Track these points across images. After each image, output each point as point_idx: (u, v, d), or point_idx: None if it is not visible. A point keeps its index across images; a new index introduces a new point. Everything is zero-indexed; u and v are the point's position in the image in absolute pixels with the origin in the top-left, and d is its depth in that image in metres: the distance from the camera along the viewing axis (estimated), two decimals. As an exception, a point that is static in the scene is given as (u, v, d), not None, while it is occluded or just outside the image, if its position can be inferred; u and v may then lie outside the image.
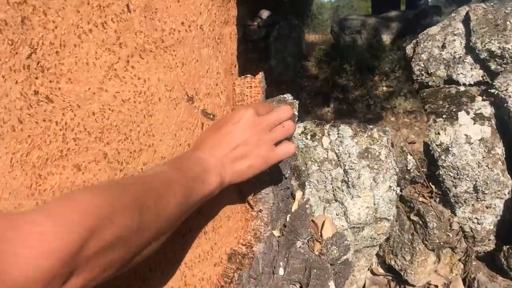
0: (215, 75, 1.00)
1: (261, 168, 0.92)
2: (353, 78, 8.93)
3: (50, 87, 0.81)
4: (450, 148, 1.23)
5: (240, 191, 1.09)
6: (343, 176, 1.13)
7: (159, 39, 0.91)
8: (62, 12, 0.79)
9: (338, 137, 1.15)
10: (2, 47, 0.75)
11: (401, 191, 1.18)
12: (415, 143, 1.42)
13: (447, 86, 1.40)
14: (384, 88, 9.21)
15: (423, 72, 1.44)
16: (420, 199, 1.27)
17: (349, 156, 1.12)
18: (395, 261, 1.34)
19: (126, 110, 0.91)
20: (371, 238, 1.27)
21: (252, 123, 0.90)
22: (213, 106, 1.02)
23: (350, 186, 1.12)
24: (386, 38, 8.98)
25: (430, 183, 1.33)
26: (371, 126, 1.16)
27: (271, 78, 7.91)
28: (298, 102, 1.20)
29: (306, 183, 1.19)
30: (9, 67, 0.78)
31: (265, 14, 8.92)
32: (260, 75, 1.04)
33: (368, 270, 1.43)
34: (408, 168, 1.28)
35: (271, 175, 0.99)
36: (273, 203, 1.06)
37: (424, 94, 1.39)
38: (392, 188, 1.14)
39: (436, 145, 1.25)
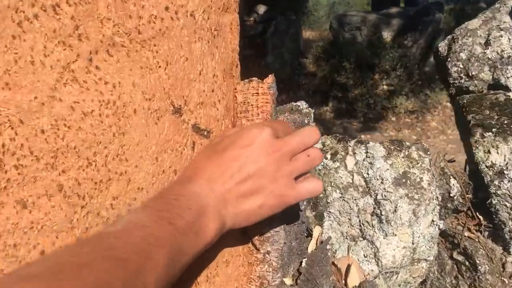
0: (210, 78, 0.77)
1: (275, 210, 0.70)
2: (353, 76, 8.78)
3: (-22, 95, 0.58)
4: (505, 171, 1.01)
5: (243, 229, 0.86)
6: (374, 208, 0.91)
7: (135, 29, 0.68)
8: (-9, -12, 0.56)
9: (366, 157, 0.93)
10: None
11: (442, 224, 0.97)
12: (454, 161, 1.20)
13: (493, 92, 1.18)
14: (385, 87, 9.08)
15: (462, 75, 1.22)
16: (466, 233, 1.06)
17: (381, 182, 0.90)
18: (432, 309, 1.12)
19: (88, 127, 0.68)
20: (404, 282, 1.05)
21: (269, 147, 0.67)
22: (207, 119, 0.79)
23: (384, 221, 0.90)
24: (387, 35, 8.84)
25: (477, 213, 1.11)
26: (407, 143, 0.94)
27: (268, 75, 7.72)
28: (313, 111, 0.97)
29: (325, 215, 0.97)
30: None
31: (262, 9, 8.74)
32: (270, 78, 0.81)
33: (396, 316, 1.22)
34: (451, 195, 1.07)
35: (284, 211, 0.76)
36: (285, 242, 0.84)
37: (465, 101, 1.17)
38: (434, 222, 0.92)
39: (487, 166, 1.04)
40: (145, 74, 0.70)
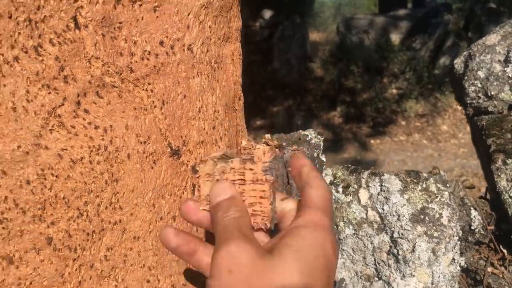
0: (211, 114, 0.71)
1: None
2: (361, 80, 8.71)
3: (-45, 147, 0.53)
4: (531, 201, 0.94)
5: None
6: (390, 246, 0.85)
7: (126, 67, 0.62)
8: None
9: (381, 190, 0.86)
10: None
11: (464, 261, 0.90)
12: (474, 187, 1.13)
13: (514, 112, 1.10)
14: (394, 91, 9.00)
15: (480, 95, 1.15)
16: (489, 269, 0.99)
17: (398, 219, 0.83)
18: None
19: (78, 175, 0.62)
20: (423, 322, 0.98)
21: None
22: (209, 159, 0.73)
23: (401, 261, 0.83)
24: (395, 38, 8.75)
25: (501, 246, 1.04)
26: (425, 175, 0.87)
27: (274, 81, 7.67)
28: (322, 138, 0.91)
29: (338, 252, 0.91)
30: None
31: (267, 14, 8.68)
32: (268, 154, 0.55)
33: None
34: (472, 227, 1.00)
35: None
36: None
37: (484, 123, 1.10)
38: (455, 260, 0.85)
39: (510, 196, 0.96)
40: (139, 116, 0.64)
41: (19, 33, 0.55)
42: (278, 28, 8.16)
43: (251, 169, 0.53)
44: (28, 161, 0.59)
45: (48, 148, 0.60)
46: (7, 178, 0.59)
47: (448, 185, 0.85)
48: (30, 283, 0.64)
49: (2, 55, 0.55)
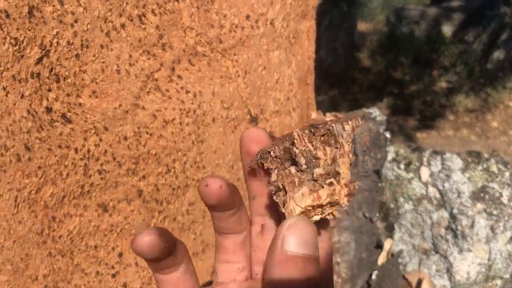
0: (286, 86, 0.76)
1: None
2: (409, 72, 8.54)
3: (67, 102, 0.61)
4: None
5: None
6: (449, 222, 0.88)
7: (216, 38, 0.68)
8: (85, 0, 0.57)
9: (442, 168, 0.89)
10: (2, 48, 0.54)
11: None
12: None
13: None
14: (443, 84, 8.79)
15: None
16: (545, 251, 1.00)
17: (458, 196, 0.87)
18: (505, 327, 1.07)
19: (169, 135, 0.69)
20: (476, 298, 1.01)
21: None
22: (282, 127, 0.78)
23: (459, 236, 0.86)
24: (447, 30, 8.51)
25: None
26: (486, 156, 0.90)
27: (320, 70, 7.61)
28: (386, 117, 0.94)
29: (396, 226, 0.94)
30: (12, 75, 0.57)
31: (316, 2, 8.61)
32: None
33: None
34: (530, 209, 1.01)
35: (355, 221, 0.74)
36: (354, 254, 0.82)
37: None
38: (513, 239, 0.88)
39: None
40: (224, 83, 0.70)
41: (127, 2, 0.62)
42: (326, 16, 8.09)
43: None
44: (127, 119, 0.66)
45: (145, 108, 0.66)
46: (108, 134, 0.66)
47: (508, 167, 0.87)
48: (121, 230, 0.72)
49: (111, 22, 0.62)
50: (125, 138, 0.66)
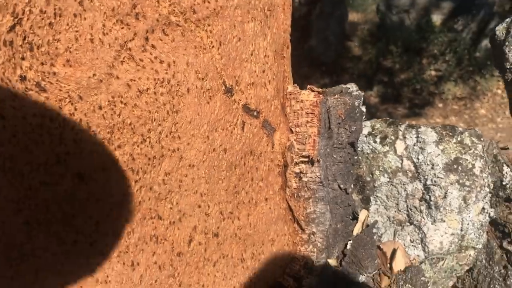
0: (262, 58, 0.77)
1: None
2: (399, 61, 8.55)
3: (42, 71, 0.61)
4: (563, 160, 0.97)
5: (288, 207, 0.86)
6: (423, 193, 0.89)
7: (190, 8, 0.68)
8: (55, -33, 0.58)
9: (417, 141, 0.91)
10: (-28, 15, 0.55)
11: (493, 212, 0.93)
12: (508, 148, 1.16)
13: (552, 78, 1.12)
14: (433, 72, 8.82)
15: (520, 60, 1.17)
16: (517, 222, 1.02)
17: (432, 168, 0.88)
18: (478, 298, 1.09)
19: (143, 104, 0.69)
20: (450, 269, 1.03)
21: None
22: (258, 99, 0.79)
23: (432, 207, 0.88)
24: (436, 18, 8.53)
25: (531, 203, 1.07)
26: (460, 129, 0.91)
27: (311, 59, 7.61)
28: (363, 94, 0.95)
29: (372, 198, 0.96)
30: (-16, 43, 0.57)
31: (307, -9, 8.58)
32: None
33: (440, 303, 1.19)
34: (504, 183, 1.03)
35: (330, 192, 0.76)
36: (330, 224, 0.84)
37: (522, 87, 1.12)
38: (485, 210, 0.89)
39: (543, 154, 0.99)
40: (199, 54, 0.70)
41: (99, -29, 0.62)
42: (317, 5, 8.07)
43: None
44: (101, 88, 0.66)
45: (119, 78, 0.67)
46: (82, 103, 0.66)
47: (482, 139, 0.89)
48: (97, 200, 0.72)
49: (84, -10, 0.62)
50: (100, 108, 0.67)
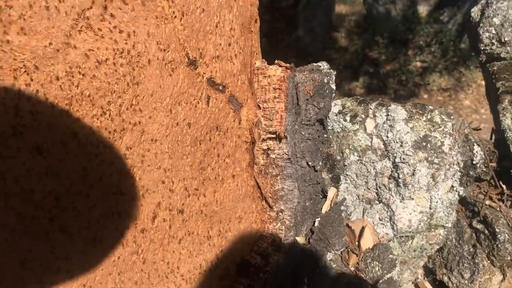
0: (227, 31, 0.75)
1: None
2: (385, 52, 8.57)
3: (-7, 39, 0.58)
4: (532, 139, 0.96)
5: (256, 184, 0.85)
6: (392, 171, 0.89)
7: (150, -23, 0.66)
8: None
9: (387, 119, 0.90)
10: None
11: (463, 191, 0.93)
12: (480, 129, 1.16)
13: (526, 58, 1.12)
14: (418, 63, 8.85)
15: (494, 41, 1.17)
16: (487, 202, 1.02)
17: (401, 146, 0.87)
18: (449, 278, 1.09)
19: (102, 75, 0.67)
20: (420, 248, 1.03)
21: None
22: (223, 73, 0.78)
23: (401, 184, 0.87)
24: (423, 9, 8.56)
25: (501, 182, 1.07)
26: (430, 107, 0.90)
27: (298, 49, 7.59)
28: (335, 73, 0.94)
29: (342, 177, 0.95)
30: None
31: (294, -19, 8.54)
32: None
33: (412, 284, 1.19)
34: (474, 162, 1.02)
35: (299, 170, 0.75)
36: (298, 202, 0.83)
37: (495, 68, 1.11)
38: (454, 188, 0.89)
39: (513, 134, 0.99)
40: (160, 24, 0.69)
41: None
42: (305, -4, 8.04)
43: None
44: (58, 58, 0.64)
45: (77, 47, 0.65)
46: (38, 73, 0.64)
47: (452, 117, 0.88)
48: (58, 173, 0.70)
49: (38, -45, 0.60)
50: (57, 78, 0.65)
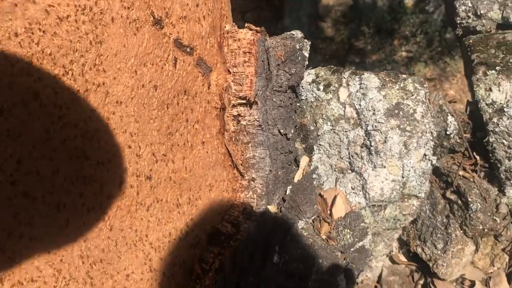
0: (195, -8, 0.73)
1: None
2: (371, 42, 8.57)
3: None
4: (505, 109, 0.96)
5: (227, 151, 0.84)
6: (364, 139, 0.88)
7: None
8: None
9: (360, 88, 0.89)
10: None
11: (436, 161, 0.92)
12: (455, 102, 1.15)
13: (501, 31, 1.12)
14: (404, 53, 8.87)
15: (470, 14, 1.16)
16: (461, 172, 1.02)
17: (373, 114, 0.86)
18: (422, 249, 1.09)
19: (64, 33, 0.65)
20: (394, 219, 1.02)
21: None
22: (191, 35, 0.76)
23: (373, 152, 0.86)
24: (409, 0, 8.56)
25: (474, 153, 1.07)
26: (404, 76, 0.90)
27: (285, 39, 7.54)
28: (309, 43, 0.93)
29: (315, 147, 0.94)
30: None
31: (281, -30, 8.50)
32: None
33: (386, 257, 1.20)
34: (448, 132, 1.02)
35: (270, 137, 0.73)
36: (270, 170, 0.82)
37: (471, 41, 1.11)
38: (427, 157, 0.89)
39: (487, 104, 0.99)
40: (123, -19, 0.66)
41: None
42: (290, -16, 8.00)
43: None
44: (16, 13, 0.62)
45: (36, 2, 0.62)
46: (-5, 29, 0.62)
47: (425, 86, 0.87)
48: (18, 136, 0.68)
49: None
50: (16, 35, 0.62)
